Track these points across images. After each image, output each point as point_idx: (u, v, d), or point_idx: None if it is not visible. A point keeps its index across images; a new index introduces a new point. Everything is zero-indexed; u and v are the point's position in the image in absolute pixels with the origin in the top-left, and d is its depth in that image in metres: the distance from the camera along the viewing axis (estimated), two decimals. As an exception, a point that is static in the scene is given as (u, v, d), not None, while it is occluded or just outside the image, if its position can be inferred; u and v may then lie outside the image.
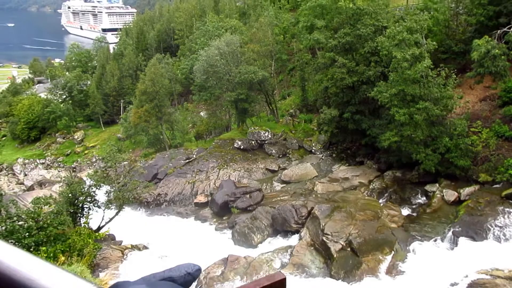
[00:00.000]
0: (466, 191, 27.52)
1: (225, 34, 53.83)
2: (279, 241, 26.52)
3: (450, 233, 23.39)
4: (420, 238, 24.07)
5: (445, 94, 28.78)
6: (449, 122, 29.58)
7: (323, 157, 40.36)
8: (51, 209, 23.82)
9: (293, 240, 25.87)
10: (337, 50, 36.53)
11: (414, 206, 29.35)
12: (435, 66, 29.27)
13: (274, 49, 55.02)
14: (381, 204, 28.92)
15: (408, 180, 31.97)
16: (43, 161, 72.79)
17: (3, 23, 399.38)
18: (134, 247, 26.00)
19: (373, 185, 32.71)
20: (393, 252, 22.73)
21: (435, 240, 23.64)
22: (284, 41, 60.52)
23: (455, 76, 29.42)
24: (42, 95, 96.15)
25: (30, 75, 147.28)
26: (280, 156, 42.14)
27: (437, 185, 29.58)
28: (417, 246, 23.33)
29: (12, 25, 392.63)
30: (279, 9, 68.51)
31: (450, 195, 27.81)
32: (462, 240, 22.53)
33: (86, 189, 26.98)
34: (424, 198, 29.88)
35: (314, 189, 33.39)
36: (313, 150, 42.05)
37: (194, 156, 43.96)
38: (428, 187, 29.98)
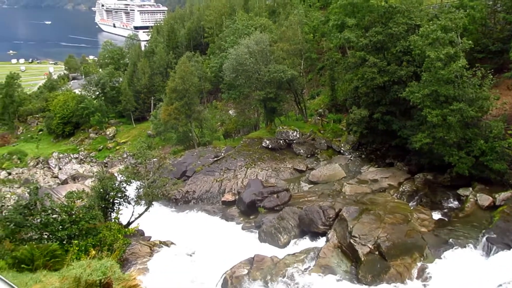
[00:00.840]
0: (501, 196, 26.55)
1: (254, 33, 53.88)
2: (306, 242, 26.37)
3: (484, 239, 22.60)
4: (451, 243, 23.38)
5: (481, 95, 27.83)
6: (484, 124, 28.59)
7: (351, 158, 39.84)
8: (83, 204, 24.54)
9: (320, 242, 25.66)
10: (368, 49, 35.90)
11: (445, 210, 28.55)
12: (470, 66, 28.33)
13: (304, 48, 54.63)
14: (411, 208, 28.29)
15: (439, 183, 31.14)
16: (77, 156, 75.04)
17: (41, 20, 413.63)
18: (162, 244, 26.44)
19: (403, 187, 32.03)
20: (423, 257, 22.21)
21: (468, 247, 22.91)
22: (313, 39, 59.99)
23: (491, 76, 28.42)
24: (77, 91, 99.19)
25: (65, 72, 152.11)
26: (308, 156, 41.87)
27: (471, 189, 28.67)
28: (449, 252, 22.67)
29: (49, 22, 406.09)
30: (309, 7, 67.95)
31: (485, 199, 26.90)
32: (497, 247, 21.73)
33: (117, 184, 27.63)
34: (457, 202, 29.03)
35: (342, 190, 33.01)
36: (341, 151, 41.57)
37: (222, 154, 44.27)
38: (461, 191, 29.11)
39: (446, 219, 27.32)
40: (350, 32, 43.71)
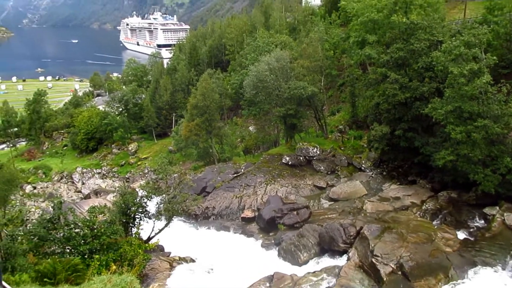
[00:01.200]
0: (530, 216, 25.65)
1: (275, 50, 54.35)
2: (326, 261, 25.93)
3: (512, 261, 21.82)
4: (478, 264, 22.61)
5: (507, 111, 27.21)
6: (510, 141, 27.87)
7: (373, 175, 39.28)
8: (105, 218, 24.85)
9: (341, 260, 25.20)
10: (389, 65, 35.68)
11: (471, 230, 27.70)
12: (495, 82, 27.80)
13: (324, 64, 54.73)
14: (435, 226, 27.56)
15: (464, 202, 30.32)
16: (99, 171, 76.39)
17: (68, 39, 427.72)
18: (181, 260, 26.44)
19: (426, 205, 31.31)
20: (448, 278, 21.51)
21: (495, 268, 22.11)
22: (334, 56, 60.05)
23: (517, 92, 27.79)
24: (101, 108, 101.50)
25: (90, 89, 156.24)
26: (329, 173, 41.50)
27: (497, 208, 27.78)
28: (475, 273, 21.91)
29: (76, 41, 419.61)
30: (329, 24, 68.20)
31: (512, 219, 26.03)
32: (526, 269, 20.92)
33: (138, 199, 27.92)
34: (483, 221, 28.15)
35: (363, 208, 32.49)
36: (362, 168, 41.07)
37: (242, 170, 44.32)
38: (487, 210, 28.24)
39: (472, 239, 26.49)
40: (371, 48, 43.65)
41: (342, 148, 45.12)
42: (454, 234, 26.39)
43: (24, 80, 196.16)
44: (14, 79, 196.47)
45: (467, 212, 29.36)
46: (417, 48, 33.52)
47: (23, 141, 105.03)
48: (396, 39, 36.61)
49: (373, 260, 22.72)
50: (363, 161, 41.58)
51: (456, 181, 30.81)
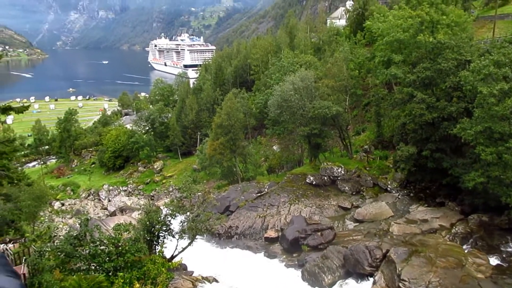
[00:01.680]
0: None
1: (299, 70, 54.56)
2: (351, 284, 25.29)
3: (549, 289, 20.71)
4: (512, 292, 21.59)
5: (540, 132, 26.29)
6: (545, 163, 26.81)
7: (399, 196, 38.41)
8: (129, 236, 25.06)
9: (366, 284, 24.53)
10: (415, 85, 35.23)
11: (504, 255, 26.55)
12: (527, 102, 26.96)
13: (349, 84, 54.51)
14: (466, 251, 26.57)
15: (496, 226, 29.19)
16: (125, 188, 77.58)
17: (99, 60, 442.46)
18: (204, 279, 26.31)
19: (456, 229, 30.28)
20: (479, 306, 20.59)
21: (531, 296, 21.05)
22: (359, 76, 59.81)
23: (551, 113, 26.85)
24: (128, 126, 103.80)
25: (118, 108, 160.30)
26: (354, 193, 40.85)
27: (532, 233, 26.64)
28: (509, 302, 20.91)
29: (106, 62, 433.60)
30: (355, 44, 68.18)
31: (548, 245, 24.85)
32: None
33: (162, 218, 28.08)
34: (516, 246, 26.99)
35: (390, 230, 31.69)
36: (388, 189, 40.25)
37: (266, 190, 44.13)
38: (521, 235, 27.10)
39: (505, 264, 25.37)
40: (397, 68, 43.28)
41: (367, 168, 44.44)
42: (486, 260, 25.35)
43: (56, 100, 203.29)
44: (47, 98, 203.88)
45: (499, 237, 28.23)
46: (444, 68, 33.04)
47: (53, 159, 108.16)
48: (423, 58, 36.24)
49: (400, 284, 22.01)
50: (389, 182, 40.79)
51: (487, 204, 29.79)
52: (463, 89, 30.59)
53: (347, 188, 41.30)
